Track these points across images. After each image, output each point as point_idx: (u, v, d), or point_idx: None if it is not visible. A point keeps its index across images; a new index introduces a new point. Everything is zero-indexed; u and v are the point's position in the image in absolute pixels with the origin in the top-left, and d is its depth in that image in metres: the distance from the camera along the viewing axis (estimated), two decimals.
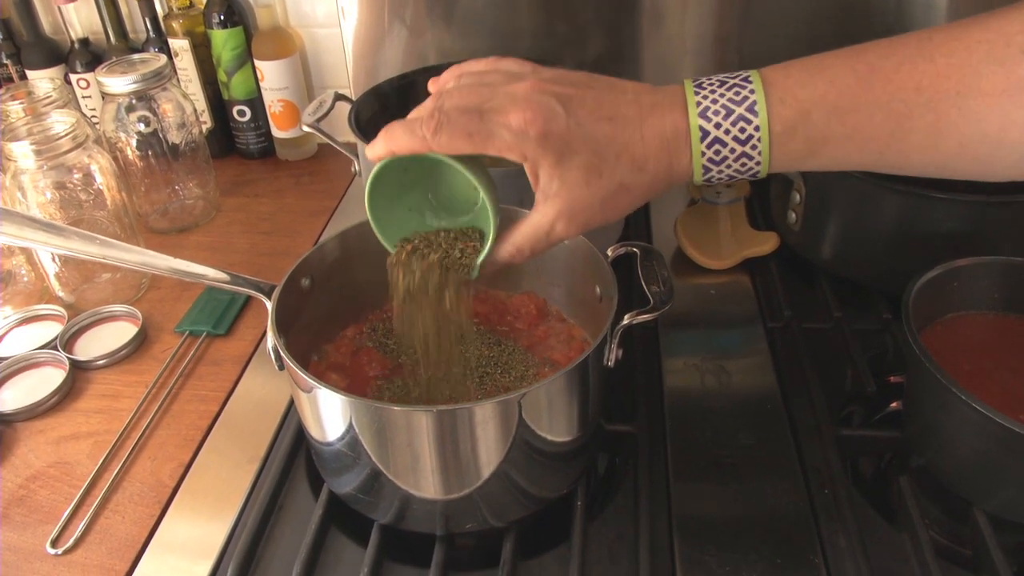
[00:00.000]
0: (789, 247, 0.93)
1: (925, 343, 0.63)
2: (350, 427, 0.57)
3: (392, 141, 0.52)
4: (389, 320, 0.76)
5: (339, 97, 0.98)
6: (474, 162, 0.54)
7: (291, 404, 0.78)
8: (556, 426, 0.59)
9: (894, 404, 0.74)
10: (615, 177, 0.51)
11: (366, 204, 0.57)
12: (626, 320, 0.61)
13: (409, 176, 0.57)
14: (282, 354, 0.58)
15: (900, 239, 0.80)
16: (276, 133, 1.25)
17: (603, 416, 0.67)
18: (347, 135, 0.92)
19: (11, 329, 0.93)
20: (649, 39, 1.08)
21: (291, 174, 1.24)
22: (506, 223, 0.56)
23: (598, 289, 0.67)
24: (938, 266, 0.68)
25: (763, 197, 1.02)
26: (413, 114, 0.53)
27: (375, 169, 0.55)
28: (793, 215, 0.90)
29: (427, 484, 0.58)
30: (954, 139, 0.49)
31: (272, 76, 1.19)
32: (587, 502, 0.66)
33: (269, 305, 0.63)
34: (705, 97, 0.51)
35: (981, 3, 0.97)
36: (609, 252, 0.67)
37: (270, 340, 0.60)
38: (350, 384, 0.69)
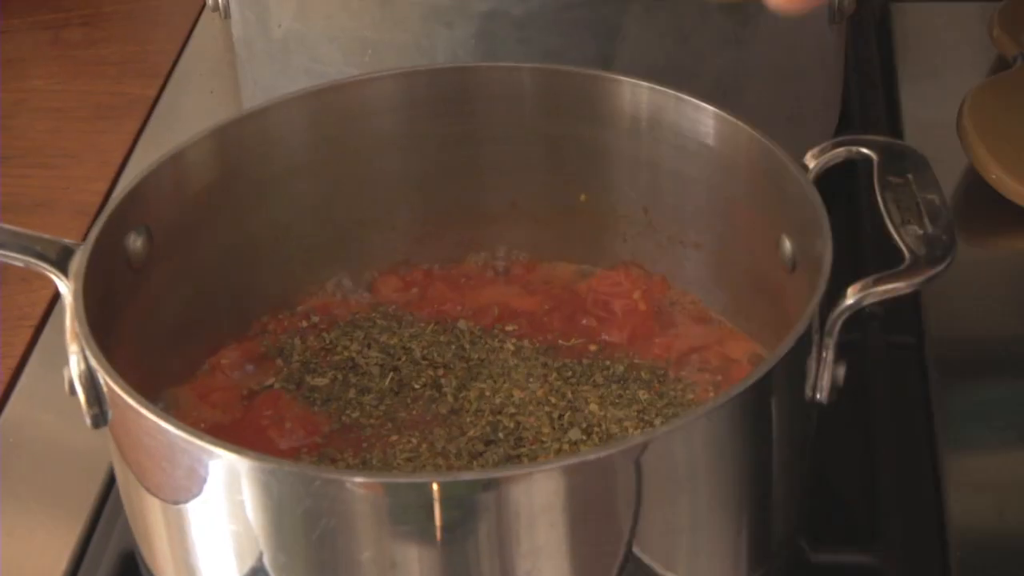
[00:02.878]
0: None
1: None
2: (274, 531, 0.27)
3: None
4: (322, 325, 0.41)
5: None
6: None
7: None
8: (695, 544, 0.27)
9: None
10: None
11: None
12: (851, 298, 0.29)
13: None
14: (115, 389, 0.28)
15: None
16: None
17: (807, 533, 0.35)
18: None
19: None
20: None
21: (44, 23, 0.62)
22: None
23: (787, 244, 0.34)
24: None
25: None
26: None
27: None
28: None
29: None
30: None
31: None
32: None
33: (66, 290, 0.32)
34: None
35: None
36: (809, 161, 0.33)
37: (74, 365, 0.30)
38: None
